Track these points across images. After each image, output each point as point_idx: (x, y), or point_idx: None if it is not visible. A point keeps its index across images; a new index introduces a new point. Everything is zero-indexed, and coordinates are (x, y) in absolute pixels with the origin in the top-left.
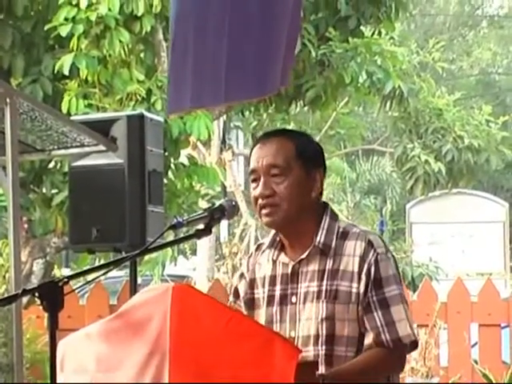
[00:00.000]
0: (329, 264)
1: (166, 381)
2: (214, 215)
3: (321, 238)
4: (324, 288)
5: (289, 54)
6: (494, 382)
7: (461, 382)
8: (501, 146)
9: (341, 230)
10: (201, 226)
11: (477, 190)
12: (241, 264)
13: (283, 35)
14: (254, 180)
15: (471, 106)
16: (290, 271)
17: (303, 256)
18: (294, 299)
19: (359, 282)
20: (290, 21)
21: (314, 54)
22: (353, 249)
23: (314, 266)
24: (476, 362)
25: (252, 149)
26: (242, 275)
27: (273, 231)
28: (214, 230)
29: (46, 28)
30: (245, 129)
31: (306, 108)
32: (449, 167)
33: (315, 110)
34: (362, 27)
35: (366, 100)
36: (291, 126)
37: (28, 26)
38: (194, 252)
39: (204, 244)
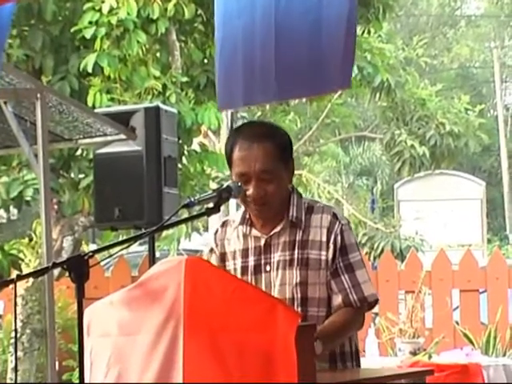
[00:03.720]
0: (299, 235)
1: (181, 343)
2: (222, 195)
3: (293, 212)
4: (296, 256)
5: (347, 57)
6: (473, 341)
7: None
8: (478, 132)
9: (306, 205)
10: (211, 205)
11: (457, 171)
12: None
13: (337, 38)
14: (245, 182)
15: (451, 96)
16: (263, 243)
17: (277, 229)
18: (268, 268)
19: (327, 250)
20: (346, 26)
21: None
22: (319, 221)
23: (284, 238)
24: (457, 323)
25: (231, 146)
26: (211, 250)
27: (242, 209)
28: (222, 208)
29: (72, 31)
30: (250, 119)
31: (304, 100)
32: (432, 151)
33: (312, 102)
34: None
35: (358, 92)
36: (291, 116)
37: (56, 29)
38: (206, 229)
39: (215, 221)
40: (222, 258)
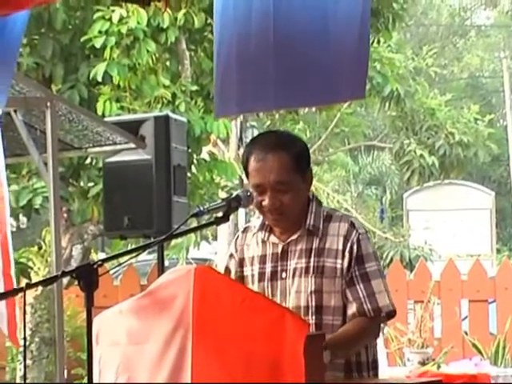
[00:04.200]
0: (315, 243)
1: (190, 352)
2: (231, 204)
3: (310, 220)
4: (312, 264)
5: (359, 65)
6: (482, 351)
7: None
8: (487, 142)
9: (325, 213)
10: (220, 214)
11: (466, 181)
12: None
13: (348, 45)
14: (261, 192)
15: (461, 106)
16: (280, 250)
17: (294, 237)
18: (284, 275)
19: (343, 259)
20: (358, 37)
21: None
22: (337, 229)
23: (302, 245)
24: (466, 333)
25: (247, 157)
26: (231, 255)
27: (260, 216)
28: (231, 217)
29: (82, 40)
30: (259, 128)
31: (313, 109)
32: (441, 160)
33: (322, 111)
34: None
35: (367, 101)
36: (300, 126)
37: (66, 38)
38: (215, 237)
39: (224, 230)
40: (241, 263)
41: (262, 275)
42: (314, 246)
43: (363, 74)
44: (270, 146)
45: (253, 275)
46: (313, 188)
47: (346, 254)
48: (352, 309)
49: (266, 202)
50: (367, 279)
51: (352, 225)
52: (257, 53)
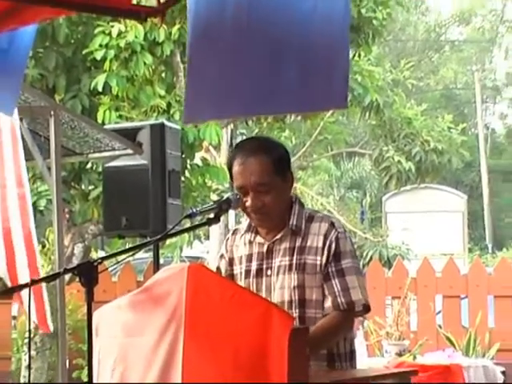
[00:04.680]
0: (298, 242)
1: (181, 344)
2: (222, 206)
3: (293, 221)
4: (294, 262)
5: (339, 79)
6: (455, 343)
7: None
8: (460, 149)
9: (307, 214)
10: (211, 216)
11: (441, 185)
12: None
13: (328, 55)
14: (244, 193)
15: (436, 115)
16: (265, 249)
17: (278, 236)
18: (269, 272)
19: (322, 255)
20: (337, 49)
21: None
22: (318, 229)
23: (285, 244)
24: (440, 326)
25: (231, 161)
26: (222, 256)
27: (247, 218)
28: (222, 218)
29: (83, 53)
30: (248, 135)
31: (299, 118)
32: (417, 166)
33: (307, 120)
34: None
35: (349, 111)
36: (286, 133)
37: (69, 51)
38: (207, 237)
39: (215, 230)
40: (231, 262)
41: (248, 272)
42: (296, 245)
43: (343, 85)
44: (252, 151)
45: (241, 273)
46: (298, 191)
47: (325, 251)
48: (328, 302)
49: (248, 203)
50: (342, 275)
51: (332, 224)
52: (228, 59)
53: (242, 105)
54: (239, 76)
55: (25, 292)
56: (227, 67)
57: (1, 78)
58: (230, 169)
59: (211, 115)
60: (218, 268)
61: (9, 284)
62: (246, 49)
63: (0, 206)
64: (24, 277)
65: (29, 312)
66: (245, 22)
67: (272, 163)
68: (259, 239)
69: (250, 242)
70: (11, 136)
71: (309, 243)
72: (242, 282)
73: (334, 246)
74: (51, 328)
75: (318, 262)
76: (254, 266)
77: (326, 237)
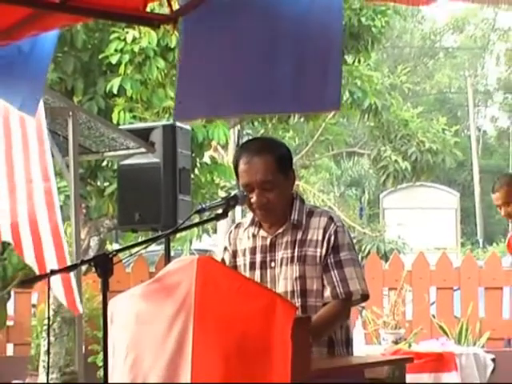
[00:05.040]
0: (299, 235)
1: (191, 332)
2: (230, 202)
3: (294, 216)
4: (296, 254)
5: (330, 80)
6: (448, 332)
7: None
8: (454, 149)
9: (308, 209)
10: (219, 211)
11: (435, 183)
12: None
13: (322, 59)
14: (249, 191)
15: (431, 118)
16: (268, 243)
17: (280, 230)
18: (273, 264)
19: (322, 248)
20: (329, 54)
21: None
22: (318, 223)
23: (287, 238)
24: (434, 316)
25: (237, 160)
26: (225, 248)
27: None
28: (229, 214)
29: (100, 57)
30: (254, 135)
31: (302, 119)
32: (413, 165)
33: (309, 121)
34: (345, 56)
35: (349, 113)
36: (290, 134)
37: (86, 55)
38: (215, 231)
39: (223, 225)
40: (234, 254)
41: (252, 264)
42: (297, 238)
43: (336, 88)
44: (256, 150)
45: (244, 265)
46: (301, 188)
47: (325, 243)
48: (327, 292)
49: (253, 199)
50: (340, 266)
51: (331, 219)
52: (221, 58)
53: (234, 104)
54: (232, 76)
55: (54, 279)
56: (220, 67)
57: (24, 81)
58: (235, 167)
59: (203, 113)
60: (223, 259)
61: (37, 273)
62: (240, 50)
63: (26, 200)
64: (53, 267)
65: (48, 299)
66: (239, 26)
67: (275, 162)
68: (262, 233)
69: (254, 236)
70: (37, 132)
71: (309, 236)
72: (246, 274)
73: (332, 238)
74: (80, 310)
75: (318, 254)
76: (258, 258)
77: (325, 230)
